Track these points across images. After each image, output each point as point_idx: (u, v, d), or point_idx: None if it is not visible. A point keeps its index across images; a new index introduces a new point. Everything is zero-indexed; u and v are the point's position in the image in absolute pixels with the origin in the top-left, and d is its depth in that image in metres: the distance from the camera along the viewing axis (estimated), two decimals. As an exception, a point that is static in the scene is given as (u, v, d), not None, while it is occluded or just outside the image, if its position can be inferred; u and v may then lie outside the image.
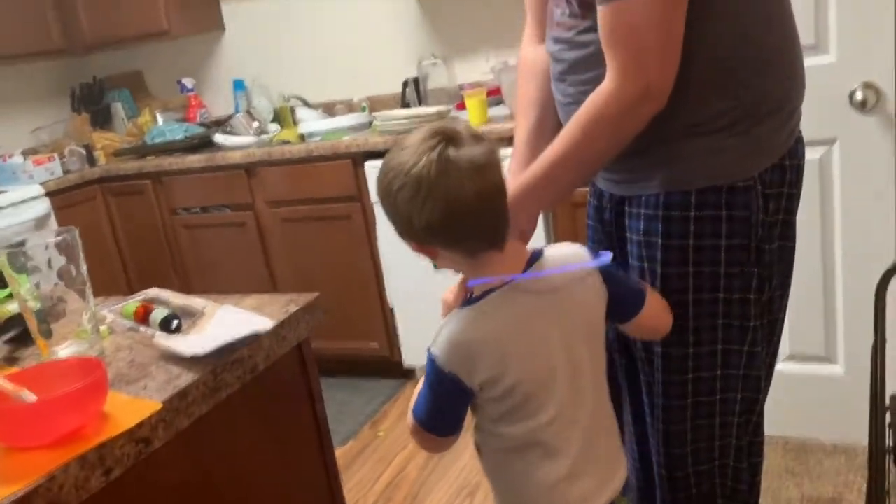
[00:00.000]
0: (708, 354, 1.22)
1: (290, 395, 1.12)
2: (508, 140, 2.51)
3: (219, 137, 3.25)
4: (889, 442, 1.44)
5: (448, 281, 1.17)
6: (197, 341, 0.99)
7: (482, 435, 1.17)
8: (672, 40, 1.06)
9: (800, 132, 1.24)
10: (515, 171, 1.32)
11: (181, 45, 3.75)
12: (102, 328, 1.11)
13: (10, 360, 1.08)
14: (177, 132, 3.43)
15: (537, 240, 1.33)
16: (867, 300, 1.44)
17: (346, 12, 3.39)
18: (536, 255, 1.11)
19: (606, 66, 1.10)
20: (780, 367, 1.42)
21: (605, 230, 1.32)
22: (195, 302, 1.16)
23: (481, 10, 3.14)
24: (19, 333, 1.10)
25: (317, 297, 1.13)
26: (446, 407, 1.11)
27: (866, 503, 1.51)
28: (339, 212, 2.96)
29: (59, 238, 0.99)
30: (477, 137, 1.04)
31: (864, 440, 1.48)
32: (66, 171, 3.34)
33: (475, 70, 3.20)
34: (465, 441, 1.18)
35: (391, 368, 3.09)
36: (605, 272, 1.13)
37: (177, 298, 1.20)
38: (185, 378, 0.91)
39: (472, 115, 2.74)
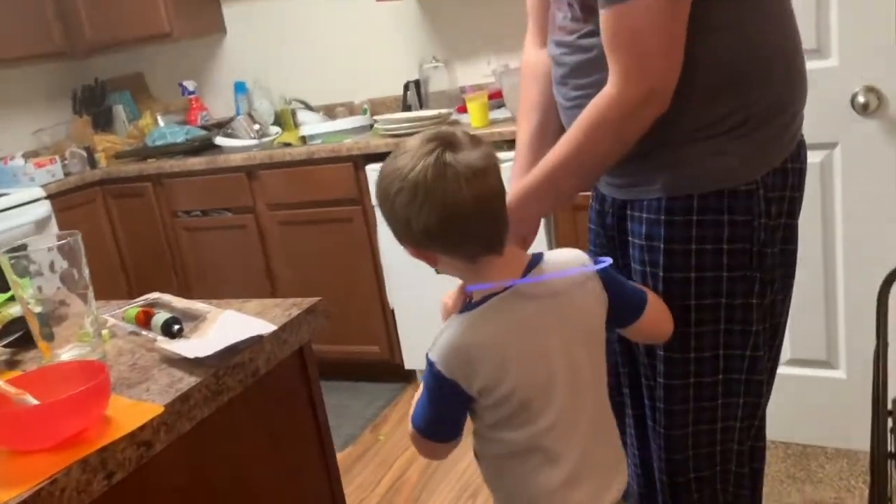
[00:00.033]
0: (710, 359, 1.22)
1: (292, 398, 1.12)
2: (510, 143, 2.53)
3: (220, 140, 3.26)
4: (891, 446, 1.44)
5: (449, 284, 1.17)
6: (199, 345, 0.99)
7: (481, 441, 1.16)
8: (674, 44, 1.07)
9: (802, 136, 1.24)
10: (517, 174, 1.32)
11: (182, 48, 3.75)
12: (104, 332, 1.11)
13: (12, 364, 1.08)
14: (178, 135, 3.43)
15: (538, 244, 1.33)
16: (869, 304, 1.44)
17: (348, 15, 3.40)
18: (536, 260, 1.11)
19: (608, 70, 1.10)
20: (782, 371, 1.42)
21: (608, 234, 1.32)
22: (197, 306, 1.16)
23: (482, 12, 3.14)
24: (21, 336, 1.10)
25: (319, 300, 1.13)
26: (445, 413, 1.11)
27: (868, 508, 1.51)
28: (339, 215, 2.96)
29: (62, 242, 0.99)
30: (475, 142, 1.04)
31: (865, 445, 1.47)
32: (66, 174, 3.35)
33: (476, 73, 3.20)
34: (466, 444, 1.18)
35: (392, 372, 3.09)
36: (605, 277, 1.13)
37: (179, 303, 1.20)
38: (187, 381, 0.91)
39: (473, 118, 2.74)
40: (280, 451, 1.08)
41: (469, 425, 1.16)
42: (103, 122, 3.83)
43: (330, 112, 3.48)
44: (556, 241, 2.59)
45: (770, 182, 1.17)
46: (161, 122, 3.66)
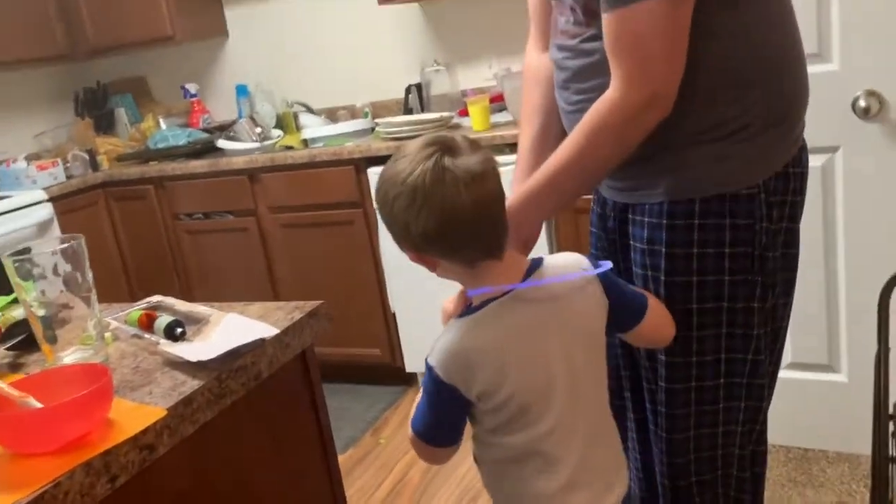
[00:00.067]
0: (711, 363, 1.22)
1: (294, 401, 1.12)
2: (511, 147, 2.54)
3: (222, 143, 3.26)
4: (892, 451, 1.44)
5: (450, 287, 1.17)
6: (202, 348, 0.99)
7: (480, 446, 1.16)
8: (677, 48, 1.07)
9: (804, 140, 1.24)
10: (519, 178, 1.32)
11: (185, 51, 3.76)
12: (107, 335, 1.11)
13: (15, 367, 1.08)
14: (180, 137, 3.44)
15: (540, 247, 1.33)
16: (870, 308, 1.45)
17: (349, 18, 3.40)
18: (536, 264, 1.11)
19: (611, 75, 1.10)
20: (783, 375, 1.42)
21: (609, 238, 1.33)
22: (200, 309, 1.16)
23: (484, 16, 3.15)
24: (24, 339, 1.11)
25: (321, 304, 1.13)
26: (444, 417, 1.11)
27: (869, 512, 1.51)
28: (341, 218, 2.97)
29: (66, 245, 0.99)
30: (474, 147, 1.04)
31: (867, 449, 1.48)
32: (69, 176, 3.35)
33: (478, 76, 3.20)
34: (467, 448, 1.18)
35: (393, 375, 3.09)
36: (606, 281, 1.13)
37: (181, 306, 1.20)
38: (190, 385, 0.92)
39: (474, 122, 2.75)
40: (282, 454, 1.08)
41: (469, 430, 1.16)
42: (105, 124, 3.84)
43: (332, 115, 3.49)
44: (558, 245, 2.59)
45: (772, 186, 1.17)
46: (163, 125, 3.67)
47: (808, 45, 1.27)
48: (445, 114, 2.94)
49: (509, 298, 1.07)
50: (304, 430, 1.14)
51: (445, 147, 1.02)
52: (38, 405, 0.83)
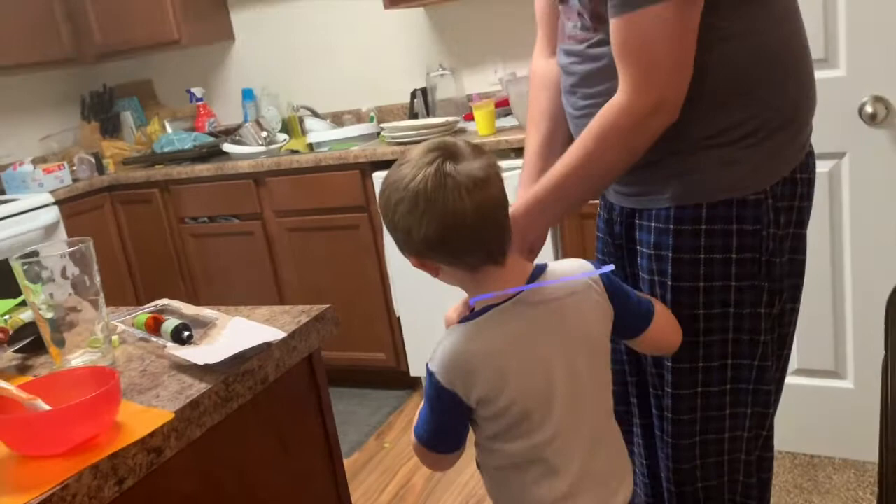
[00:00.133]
0: (717, 369, 1.21)
1: (300, 405, 1.12)
2: (517, 151, 2.54)
3: (227, 147, 3.27)
4: (899, 458, 1.43)
5: (455, 292, 1.17)
6: (208, 351, 0.99)
7: (482, 453, 1.16)
8: (685, 53, 1.07)
9: (811, 146, 1.24)
10: (526, 183, 1.32)
11: (191, 55, 3.77)
12: (114, 338, 1.11)
13: (23, 369, 1.09)
14: (185, 141, 3.45)
15: (545, 252, 1.33)
16: (877, 314, 1.44)
17: (355, 22, 3.41)
18: (539, 270, 1.11)
19: (618, 80, 1.10)
20: (789, 381, 1.41)
21: (616, 243, 1.32)
22: (206, 313, 1.17)
23: (490, 21, 3.15)
24: (32, 342, 1.11)
25: (328, 307, 1.13)
26: (446, 423, 1.11)
27: (876, 519, 1.50)
28: (346, 222, 2.97)
29: (74, 248, 1.00)
30: (477, 152, 1.04)
31: (873, 456, 1.47)
32: (75, 180, 3.37)
33: (483, 81, 3.21)
34: (470, 453, 1.18)
35: (397, 379, 3.09)
36: (611, 288, 1.12)
37: (188, 309, 1.21)
38: (197, 388, 0.92)
39: (480, 126, 2.75)
40: (289, 458, 1.08)
41: (472, 435, 1.15)
42: (111, 128, 3.85)
43: (337, 119, 3.50)
44: (563, 250, 2.59)
45: (779, 192, 1.17)
46: (169, 129, 3.68)
47: (815, 50, 1.27)
48: (451, 118, 2.94)
49: (511, 304, 1.07)
50: (310, 433, 1.14)
51: (448, 152, 1.02)
52: (46, 408, 0.83)
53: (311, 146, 3.17)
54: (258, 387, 0.99)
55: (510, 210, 1.11)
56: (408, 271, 1.13)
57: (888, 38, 1.88)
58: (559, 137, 1.33)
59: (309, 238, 3.07)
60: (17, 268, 0.97)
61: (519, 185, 1.34)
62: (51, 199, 3.17)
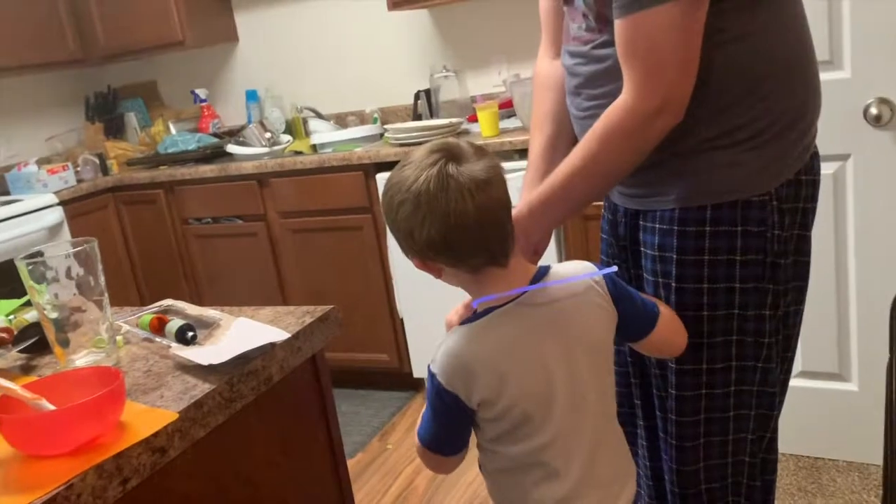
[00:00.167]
0: (722, 370, 1.21)
1: (304, 406, 1.12)
2: (520, 153, 2.54)
3: (231, 148, 3.28)
4: (904, 460, 1.43)
5: (459, 293, 1.17)
6: (212, 352, 0.99)
7: (483, 454, 1.16)
8: (690, 54, 1.07)
9: (816, 147, 1.24)
10: (530, 184, 1.32)
11: (195, 56, 3.78)
12: (118, 338, 1.12)
13: (28, 369, 1.09)
14: (189, 142, 3.46)
15: (549, 254, 1.33)
16: (882, 316, 1.44)
17: (359, 24, 3.41)
18: (542, 272, 1.10)
19: (623, 80, 1.10)
20: (793, 383, 1.41)
21: (620, 244, 1.32)
22: (210, 313, 1.17)
23: (494, 22, 3.15)
24: (37, 342, 1.11)
25: (332, 308, 1.13)
26: (448, 425, 1.10)
27: (881, 522, 1.50)
28: (350, 223, 2.97)
29: (79, 248, 1.00)
30: (480, 153, 1.03)
31: (878, 458, 1.46)
32: (79, 180, 3.37)
33: (487, 82, 3.21)
34: (474, 454, 1.17)
35: (401, 380, 3.10)
36: (615, 291, 1.11)
37: (192, 309, 1.21)
38: (201, 388, 0.92)
39: (483, 128, 2.75)
40: (292, 459, 1.08)
41: (475, 438, 1.15)
42: (115, 129, 3.86)
43: (341, 121, 3.50)
44: (567, 252, 2.59)
45: (783, 193, 1.17)
46: (173, 130, 3.69)
47: (820, 52, 1.27)
48: (454, 120, 2.95)
49: (513, 305, 1.06)
50: (313, 434, 1.14)
51: (451, 154, 1.02)
52: (51, 407, 0.83)
53: (314, 147, 3.18)
54: (262, 387, 0.99)
55: (514, 211, 1.11)
56: (411, 273, 1.13)
57: (893, 41, 1.88)
58: (563, 139, 1.33)
59: (312, 239, 3.08)
60: (22, 268, 0.98)
61: (523, 186, 1.34)
62: (55, 199, 3.17)
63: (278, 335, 1.03)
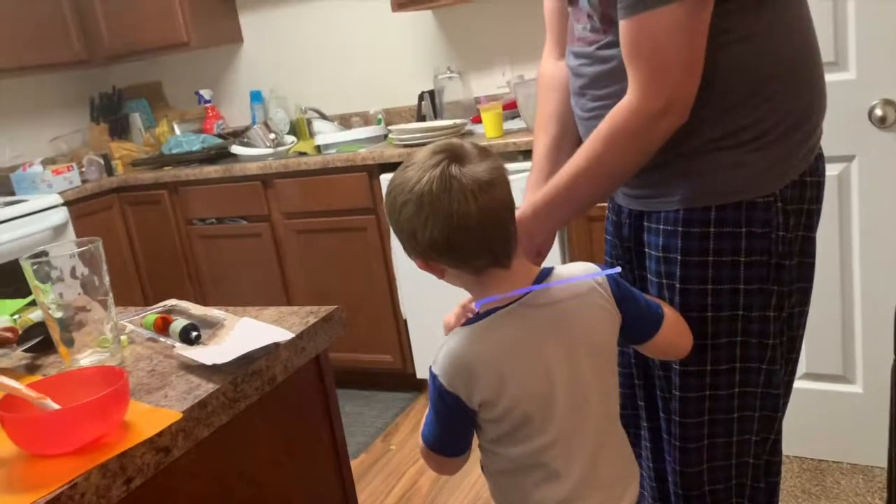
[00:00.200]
0: (726, 372, 1.21)
1: (308, 406, 1.12)
2: (524, 154, 2.54)
3: (235, 148, 3.28)
4: (909, 462, 1.43)
5: (462, 294, 1.17)
6: (216, 352, 0.99)
7: (485, 455, 1.16)
8: (695, 54, 1.07)
9: (821, 149, 1.24)
10: (534, 185, 1.32)
11: (199, 57, 3.79)
12: (123, 338, 1.12)
13: (33, 368, 1.09)
14: (194, 143, 3.46)
15: (552, 255, 1.33)
16: (886, 318, 1.44)
17: (363, 25, 3.42)
18: (546, 273, 1.10)
19: (627, 81, 1.10)
20: (797, 385, 1.40)
21: (624, 246, 1.32)
22: (214, 313, 1.17)
23: (498, 24, 3.16)
24: (41, 341, 1.11)
25: (336, 308, 1.13)
26: (451, 426, 1.10)
27: (885, 524, 1.49)
28: (354, 224, 2.98)
29: (84, 248, 1.00)
30: (484, 154, 1.03)
31: (882, 461, 1.46)
32: (84, 181, 3.38)
33: (491, 84, 3.21)
34: (477, 455, 1.17)
35: (404, 381, 3.10)
36: (619, 293, 1.11)
37: (196, 309, 1.21)
38: (205, 388, 0.92)
39: (487, 129, 2.75)
40: (295, 459, 1.08)
41: (477, 439, 1.15)
42: (120, 129, 3.87)
43: (345, 122, 3.50)
44: (571, 253, 2.58)
45: (788, 194, 1.16)
46: (177, 131, 3.69)
47: (825, 53, 1.27)
48: (458, 121, 2.95)
49: (515, 306, 1.06)
50: (317, 434, 1.14)
51: (454, 155, 1.02)
52: (55, 407, 0.84)
53: (318, 148, 3.18)
54: (266, 387, 0.99)
55: (518, 213, 1.11)
56: (415, 273, 1.13)
57: (898, 42, 1.88)
58: (568, 140, 1.33)
59: (316, 240, 3.08)
60: (27, 267, 0.98)
61: (527, 187, 1.34)
62: (60, 200, 3.18)
63: (282, 335, 1.03)
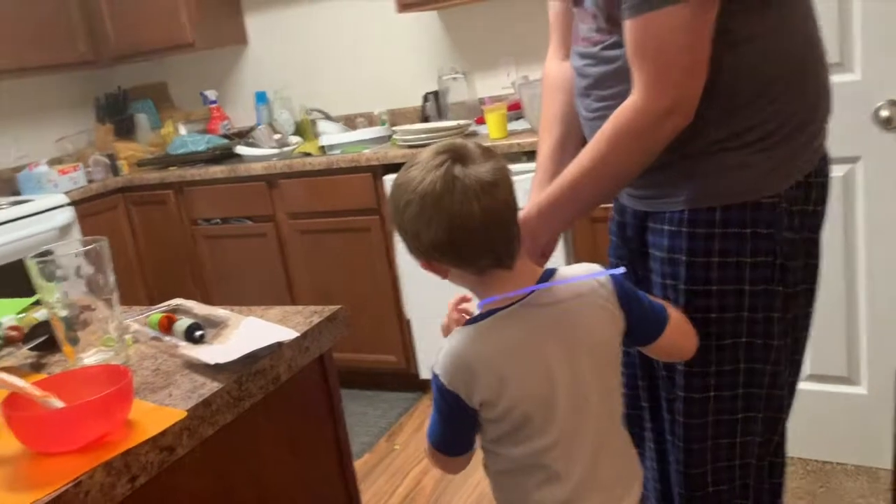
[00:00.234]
0: (730, 373, 1.21)
1: (312, 406, 1.12)
2: (528, 154, 2.54)
3: (240, 149, 3.29)
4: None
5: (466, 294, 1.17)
6: (221, 350, 1.00)
7: (487, 456, 1.16)
8: (699, 54, 1.06)
9: (826, 150, 1.23)
10: (539, 186, 1.32)
11: (205, 58, 3.80)
12: (127, 337, 1.12)
13: (38, 367, 1.10)
14: (199, 143, 3.47)
15: (556, 256, 1.33)
16: (891, 320, 1.43)
17: (368, 26, 3.42)
18: (549, 274, 1.10)
19: (632, 81, 1.10)
20: (802, 386, 1.40)
21: (628, 246, 1.32)
22: (218, 312, 1.17)
23: (502, 24, 3.16)
24: (46, 340, 1.12)
25: (340, 308, 1.13)
26: (453, 426, 1.11)
27: (890, 526, 1.49)
28: (358, 224, 2.98)
29: (89, 247, 1.00)
30: (487, 155, 1.03)
31: (886, 462, 1.46)
32: (89, 181, 3.39)
33: (496, 84, 3.21)
34: (481, 455, 1.18)
35: (408, 381, 3.10)
36: (623, 295, 1.10)
37: (200, 309, 1.21)
38: (210, 387, 0.92)
39: (491, 130, 2.75)
40: (299, 458, 1.08)
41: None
42: (126, 130, 3.88)
43: (349, 122, 3.51)
44: (575, 254, 2.58)
45: (793, 196, 1.16)
46: (183, 131, 3.70)
47: (830, 54, 1.26)
48: (463, 121, 2.95)
49: (517, 307, 1.06)
50: (321, 433, 1.14)
51: (457, 155, 1.02)
52: (60, 405, 0.84)
53: (323, 149, 3.18)
54: (270, 386, 0.99)
55: (522, 213, 1.11)
56: (418, 274, 1.13)
57: (904, 43, 1.87)
58: (572, 140, 1.33)
59: (321, 240, 3.08)
60: (33, 266, 0.98)
61: (531, 188, 1.34)
62: (66, 199, 3.19)
63: (286, 334, 1.03)
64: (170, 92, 4.03)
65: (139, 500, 0.81)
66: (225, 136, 3.60)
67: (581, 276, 1.10)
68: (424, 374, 3.00)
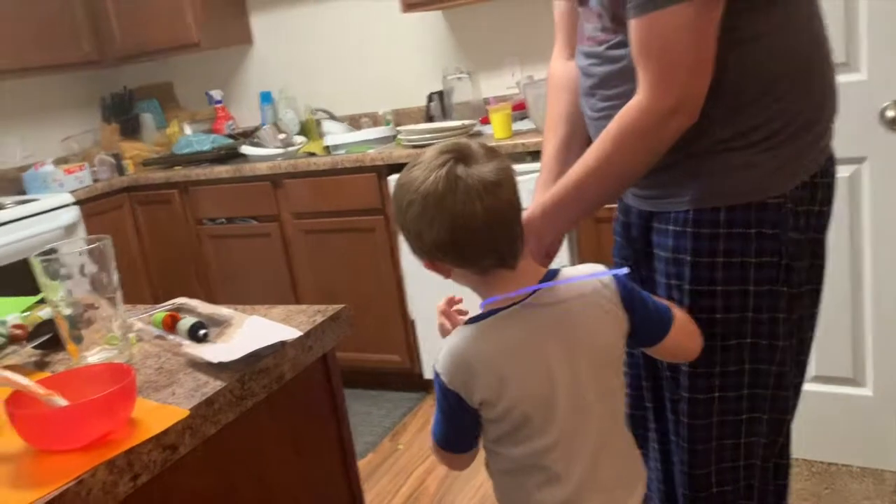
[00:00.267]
0: (735, 373, 1.20)
1: (315, 405, 1.12)
2: (533, 154, 2.53)
3: (245, 149, 3.29)
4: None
5: (470, 295, 1.17)
6: (224, 349, 1.00)
7: (488, 456, 1.16)
8: (704, 54, 1.06)
9: (831, 150, 1.23)
10: (543, 185, 1.32)
11: (210, 58, 3.80)
12: (131, 335, 1.12)
13: (41, 365, 1.10)
14: (204, 143, 3.48)
15: (561, 257, 1.32)
16: (898, 321, 1.42)
17: (373, 26, 3.42)
18: (552, 275, 1.10)
19: (637, 80, 1.10)
20: (807, 388, 1.39)
21: (633, 246, 1.32)
22: (222, 311, 1.17)
23: (507, 24, 3.15)
24: (50, 339, 1.12)
25: (343, 307, 1.13)
26: (455, 424, 1.11)
27: (895, 529, 1.48)
28: (362, 224, 2.98)
29: (93, 246, 1.00)
30: (490, 155, 1.03)
31: (892, 464, 1.45)
32: (95, 180, 3.40)
33: (500, 84, 3.21)
34: (483, 455, 1.17)
35: (412, 381, 3.10)
36: (626, 296, 1.10)
37: (204, 308, 1.21)
38: (213, 386, 0.92)
39: (496, 130, 2.75)
40: (303, 457, 1.08)
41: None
42: (131, 129, 3.89)
43: (354, 122, 3.51)
44: (580, 255, 2.58)
45: (798, 196, 1.16)
46: (188, 131, 3.71)
47: (837, 54, 1.26)
48: (467, 121, 2.95)
49: (519, 307, 1.06)
50: (324, 433, 1.14)
51: (460, 155, 1.01)
52: (64, 403, 0.84)
53: (328, 149, 3.18)
54: (273, 385, 0.99)
55: (526, 213, 1.11)
56: (423, 274, 1.13)
57: (910, 43, 1.86)
58: (577, 140, 1.33)
59: (325, 240, 3.08)
60: (37, 265, 0.98)
61: (536, 188, 1.34)
62: (71, 199, 3.20)
63: (289, 333, 1.03)
64: (175, 92, 4.04)
65: (141, 499, 0.81)
66: (230, 136, 3.60)
67: (583, 275, 1.10)
68: (428, 374, 3.00)
